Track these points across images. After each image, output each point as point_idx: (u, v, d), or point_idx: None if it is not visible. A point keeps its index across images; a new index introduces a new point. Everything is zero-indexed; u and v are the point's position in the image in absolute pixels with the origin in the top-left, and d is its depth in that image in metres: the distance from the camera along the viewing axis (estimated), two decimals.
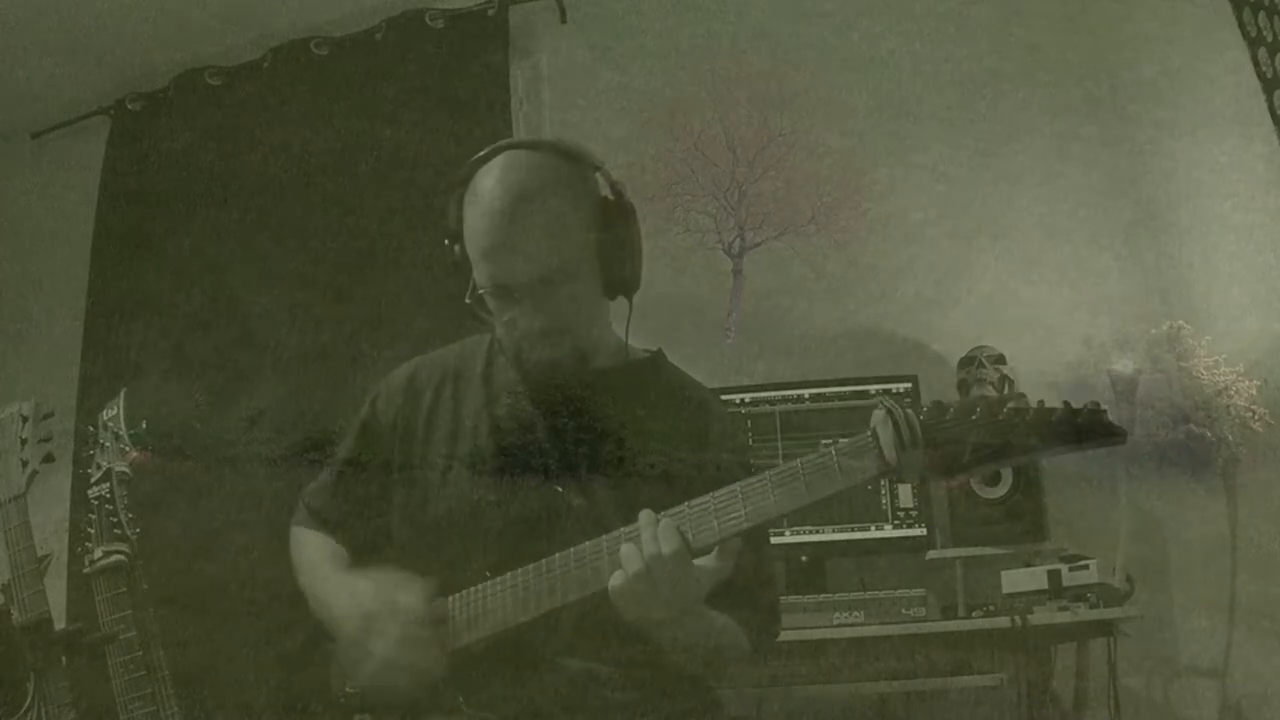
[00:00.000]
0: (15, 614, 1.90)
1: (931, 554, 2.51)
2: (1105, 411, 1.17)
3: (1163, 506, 2.59)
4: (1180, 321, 2.57)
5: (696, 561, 1.28)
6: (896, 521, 2.52)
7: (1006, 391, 2.48)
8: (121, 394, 2.05)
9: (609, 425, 1.48)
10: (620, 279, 1.49)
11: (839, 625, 2.29)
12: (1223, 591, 2.55)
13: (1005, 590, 2.36)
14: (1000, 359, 2.56)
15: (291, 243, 3.05)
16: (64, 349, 3.17)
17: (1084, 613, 2.26)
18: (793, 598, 2.33)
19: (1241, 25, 2.61)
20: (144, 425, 2.00)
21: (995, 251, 2.83)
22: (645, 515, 1.29)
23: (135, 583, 1.96)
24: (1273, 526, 2.52)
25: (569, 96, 3.12)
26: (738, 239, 2.82)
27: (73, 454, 2.24)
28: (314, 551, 1.58)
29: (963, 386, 2.56)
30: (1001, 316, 2.75)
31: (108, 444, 1.99)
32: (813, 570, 2.51)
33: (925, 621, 2.29)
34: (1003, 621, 2.25)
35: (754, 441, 2.55)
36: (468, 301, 1.47)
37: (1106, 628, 2.30)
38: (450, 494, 1.49)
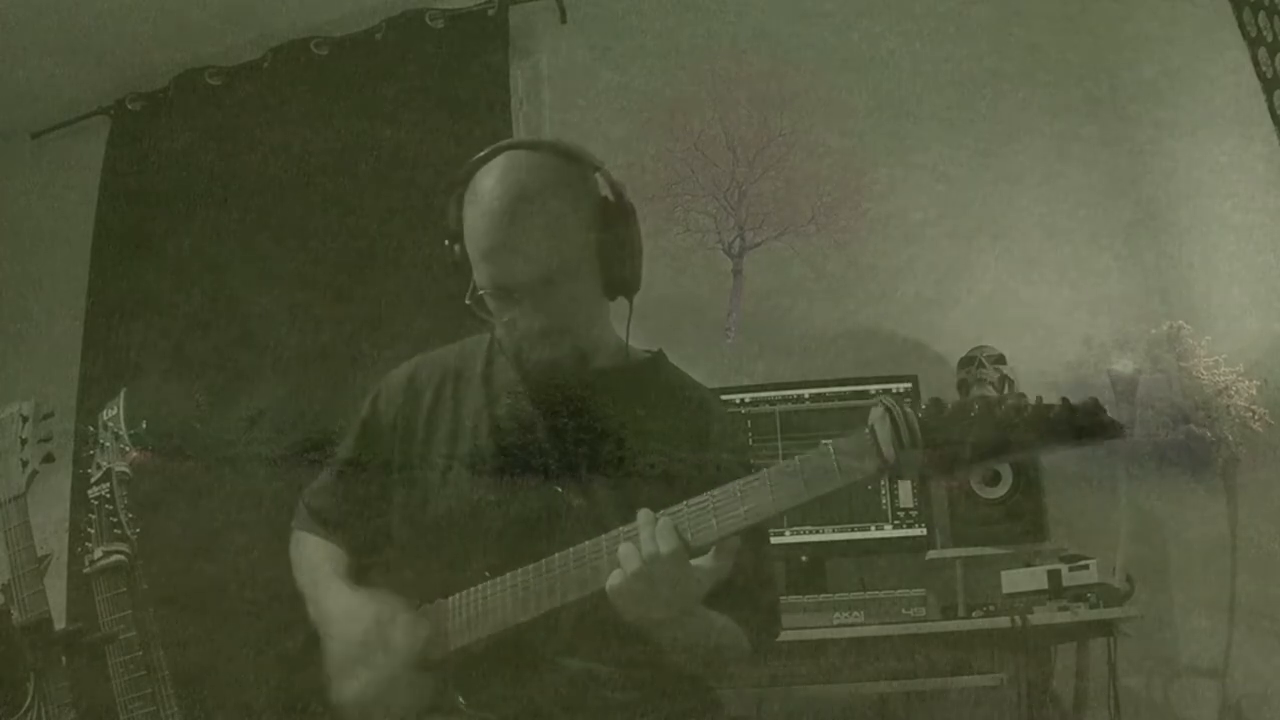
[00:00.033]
0: (15, 614, 1.90)
1: (931, 554, 2.51)
2: (1103, 408, 1.17)
3: (1163, 506, 2.59)
4: (1180, 321, 2.57)
5: (695, 561, 1.27)
6: (896, 521, 2.52)
7: (1006, 391, 2.47)
8: (121, 394, 2.05)
9: (609, 425, 1.48)
10: (620, 279, 1.49)
11: (839, 625, 2.29)
12: (1223, 591, 2.55)
13: (1005, 590, 2.36)
14: (1000, 359, 2.56)
15: (291, 243, 3.05)
16: (64, 349, 3.17)
17: (1084, 613, 2.26)
18: (793, 598, 2.34)
19: (1241, 25, 2.61)
20: (144, 425, 2.00)
21: (995, 251, 2.83)
22: (643, 514, 1.29)
23: (135, 583, 1.96)
24: (1273, 526, 2.52)
25: (569, 96, 3.12)
26: (738, 239, 2.82)
27: (73, 454, 2.23)
28: (314, 556, 1.58)
29: (963, 386, 2.56)
30: (1001, 316, 2.75)
31: (108, 444, 1.99)
32: (813, 570, 2.51)
33: (925, 621, 2.29)
34: (1003, 621, 2.25)
35: (754, 441, 2.55)
36: (468, 302, 1.47)
37: (1106, 628, 2.30)
38: (450, 494, 1.49)
